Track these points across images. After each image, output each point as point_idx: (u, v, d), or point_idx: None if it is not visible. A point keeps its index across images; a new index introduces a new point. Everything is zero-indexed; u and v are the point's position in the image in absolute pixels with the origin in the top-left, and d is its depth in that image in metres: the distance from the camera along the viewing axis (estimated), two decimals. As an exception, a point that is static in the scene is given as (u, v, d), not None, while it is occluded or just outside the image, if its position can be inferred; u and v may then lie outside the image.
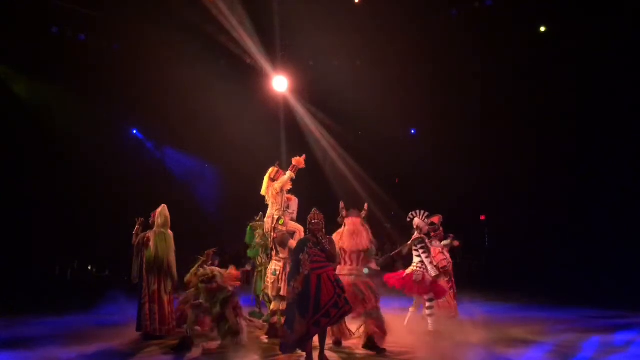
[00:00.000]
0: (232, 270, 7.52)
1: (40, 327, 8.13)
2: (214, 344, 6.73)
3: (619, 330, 7.49)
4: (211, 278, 6.37)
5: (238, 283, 7.52)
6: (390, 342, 6.70)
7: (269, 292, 7.39)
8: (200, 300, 6.52)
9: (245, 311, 7.63)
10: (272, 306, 7.40)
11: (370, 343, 6.44)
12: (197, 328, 6.81)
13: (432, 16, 13.65)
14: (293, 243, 6.90)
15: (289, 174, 7.64)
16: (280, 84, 14.22)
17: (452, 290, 8.03)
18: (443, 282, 7.64)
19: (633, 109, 12.81)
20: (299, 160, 7.75)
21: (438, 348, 6.52)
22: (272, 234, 7.48)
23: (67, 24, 13.30)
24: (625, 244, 12.26)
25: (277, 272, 7.29)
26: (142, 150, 17.84)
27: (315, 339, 5.86)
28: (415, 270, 7.29)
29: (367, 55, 14.75)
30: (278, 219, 7.50)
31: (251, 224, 8.46)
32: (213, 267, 6.65)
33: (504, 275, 13.27)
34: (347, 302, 5.88)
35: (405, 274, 7.51)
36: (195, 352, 6.44)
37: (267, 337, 7.32)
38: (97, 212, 15.13)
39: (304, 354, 5.84)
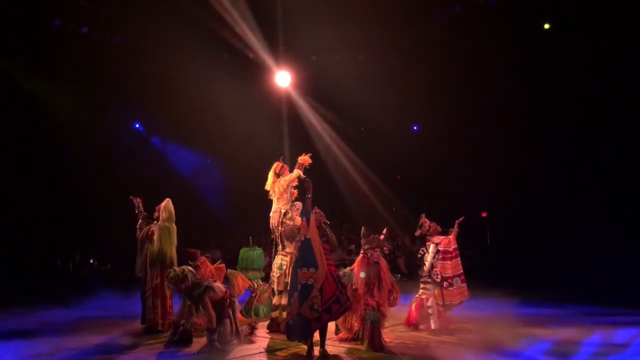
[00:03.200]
0: (242, 280, 7.54)
1: (41, 320, 8.18)
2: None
3: (620, 327, 7.48)
4: (182, 278, 6.31)
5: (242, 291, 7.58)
6: (393, 340, 6.73)
7: (275, 286, 7.39)
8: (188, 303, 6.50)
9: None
10: (275, 300, 7.41)
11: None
12: (196, 321, 6.83)
13: (436, 12, 13.61)
14: None
15: (296, 171, 7.59)
16: (282, 78, 14.20)
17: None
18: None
19: (634, 107, 12.78)
20: (304, 159, 7.73)
21: (441, 345, 6.54)
22: (280, 228, 7.46)
23: (70, 17, 13.27)
24: (628, 240, 12.25)
25: (284, 267, 7.27)
26: (144, 144, 17.85)
27: (316, 333, 5.89)
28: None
29: (369, 50, 14.72)
30: (285, 213, 7.49)
31: (246, 248, 8.49)
32: (184, 266, 6.58)
33: (505, 272, 13.27)
34: (349, 299, 5.91)
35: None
36: (195, 345, 6.46)
37: (268, 331, 7.35)
38: (99, 206, 15.15)
39: (306, 347, 5.88)
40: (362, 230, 6.98)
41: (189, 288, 6.32)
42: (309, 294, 5.63)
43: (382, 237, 6.96)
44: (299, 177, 7.56)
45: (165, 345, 6.43)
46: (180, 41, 13.70)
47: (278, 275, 7.34)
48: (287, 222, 7.42)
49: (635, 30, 11.94)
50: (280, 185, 7.55)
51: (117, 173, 15.15)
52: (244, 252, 8.73)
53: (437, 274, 7.56)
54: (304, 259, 5.80)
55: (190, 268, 6.53)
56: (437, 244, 7.68)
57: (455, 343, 6.67)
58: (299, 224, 6.96)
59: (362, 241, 6.82)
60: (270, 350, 6.35)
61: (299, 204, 7.63)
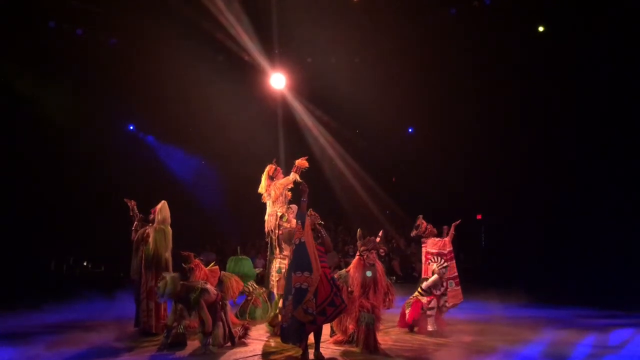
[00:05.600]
0: (236, 282, 7.51)
1: (34, 322, 8.15)
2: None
3: (614, 329, 7.51)
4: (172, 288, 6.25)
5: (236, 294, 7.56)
6: (388, 342, 6.72)
7: (275, 290, 7.32)
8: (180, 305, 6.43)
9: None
10: (280, 304, 7.35)
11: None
12: (188, 324, 6.79)
13: (431, 14, 13.64)
14: None
15: (293, 175, 7.50)
16: (278, 81, 14.19)
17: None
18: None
19: (631, 108, 12.83)
20: (301, 162, 7.62)
21: (436, 347, 6.54)
22: (277, 231, 7.39)
23: (64, 18, 13.23)
24: (621, 243, 12.29)
25: (283, 270, 7.15)
26: (138, 146, 17.79)
27: (311, 336, 5.89)
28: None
29: (365, 52, 14.73)
30: (281, 216, 7.45)
31: (234, 257, 8.43)
32: (168, 275, 6.49)
33: (500, 274, 13.28)
34: (343, 301, 5.90)
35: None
36: (188, 348, 6.43)
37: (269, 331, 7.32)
38: (94, 208, 15.08)
39: (301, 349, 5.86)
40: (358, 232, 6.98)
41: (182, 293, 6.27)
42: (302, 298, 5.62)
43: (378, 239, 6.96)
44: (294, 181, 7.53)
45: (159, 348, 6.39)
46: (176, 43, 13.69)
47: (277, 279, 7.26)
48: (284, 225, 7.36)
49: (634, 30, 12.02)
50: (276, 189, 7.48)
51: (112, 175, 15.09)
52: (231, 261, 8.52)
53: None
54: (298, 262, 5.80)
55: (175, 274, 6.43)
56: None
57: (450, 345, 6.67)
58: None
59: (358, 243, 6.82)
60: (264, 354, 6.32)
61: (294, 207, 7.58)
